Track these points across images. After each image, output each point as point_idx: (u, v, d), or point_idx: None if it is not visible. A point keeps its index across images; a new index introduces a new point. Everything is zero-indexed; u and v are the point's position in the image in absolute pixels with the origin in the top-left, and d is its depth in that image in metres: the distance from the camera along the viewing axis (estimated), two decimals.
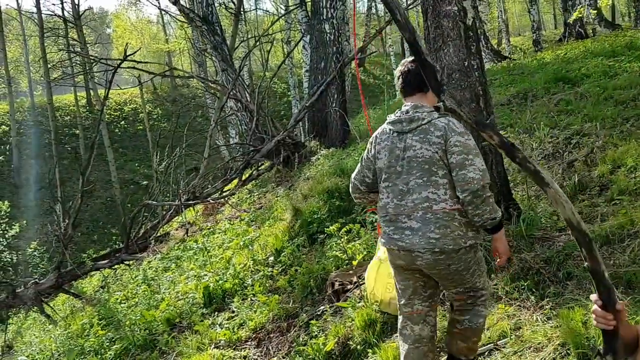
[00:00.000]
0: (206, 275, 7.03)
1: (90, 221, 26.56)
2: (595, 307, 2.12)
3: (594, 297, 2.14)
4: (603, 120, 6.92)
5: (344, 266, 5.69)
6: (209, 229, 9.83)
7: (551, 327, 3.63)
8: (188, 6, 13.55)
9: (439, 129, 3.08)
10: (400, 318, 3.43)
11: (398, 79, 3.34)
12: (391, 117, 3.29)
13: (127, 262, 10.57)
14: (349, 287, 5.29)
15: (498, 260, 3.31)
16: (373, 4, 37.40)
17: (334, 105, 11.72)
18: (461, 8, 4.66)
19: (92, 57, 12.04)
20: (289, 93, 30.30)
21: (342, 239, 5.80)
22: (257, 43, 16.07)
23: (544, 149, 6.67)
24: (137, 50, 12.05)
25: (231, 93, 11.66)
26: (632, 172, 5.40)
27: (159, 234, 10.99)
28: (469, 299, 3.33)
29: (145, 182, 28.11)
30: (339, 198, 7.25)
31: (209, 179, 12.24)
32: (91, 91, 32.12)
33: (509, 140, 2.06)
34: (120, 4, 61.72)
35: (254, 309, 5.68)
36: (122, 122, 32.19)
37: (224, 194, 11.13)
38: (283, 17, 27.63)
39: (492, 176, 4.92)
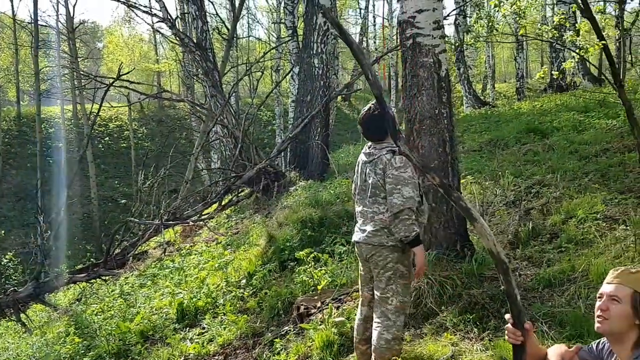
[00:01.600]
0: (180, 292, 7.35)
1: (66, 236, 26.60)
2: (508, 325, 2.58)
3: (507, 316, 2.61)
4: (565, 173, 7.42)
5: (310, 291, 6.05)
6: (186, 249, 10.14)
7: (487, 355, 4.02)
8: (182, 30, 13.96)
9: (382, 162, 3.98)
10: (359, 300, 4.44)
11: (360, 125, 4.17)
12: (365, 149, 4.24)
13: (104, 277, 10.81)
14: (313, 311, 5.66)
15: (415, 271, 4.08)
16: (362, 39, 38.27)
17: (316, 138, 12.16)
18: (436, 60, 5.14)
19: (87, 74, 12.37)
20: (274, 122, 30.81)
21: (310, 266, 6.16)
22: (248, 71, 16.48)
23: (506, 196, 7.13)
24: (131, 70, 12.42)
25: (218, 119, 12.07)
26: (581, 223, 5.85)
27: (137, 252, 11.26)
28: (379, 302, 4.05)
29: (124, 201, 28.22)
30: (311, 228, 7.63)
31: (189, 201, 12.55)
32: (78, 105, 32.34)
33: (447, 181, 2.49)
34: (114, 20, 62.08)
35: (224, 326, 6.04)
36: (107, 138, 32.43)
37: (203, 216, 11.45)
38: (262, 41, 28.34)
39: (451, 217, 5.39)
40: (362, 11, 39.58)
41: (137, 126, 33.12)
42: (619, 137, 8.58)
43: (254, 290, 6.91)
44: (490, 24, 16.06)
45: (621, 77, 4.63)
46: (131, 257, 11.13)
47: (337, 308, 5.42)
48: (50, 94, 32.38)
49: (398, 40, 6.52)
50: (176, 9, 15.33)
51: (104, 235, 15.20)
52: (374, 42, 42.93)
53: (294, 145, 12.74)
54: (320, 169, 12.18)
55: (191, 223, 10.78)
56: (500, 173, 7.73)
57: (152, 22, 34.45)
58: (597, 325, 2.50)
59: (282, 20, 18.71)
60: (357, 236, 4.20)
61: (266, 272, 7.07)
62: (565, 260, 5.13)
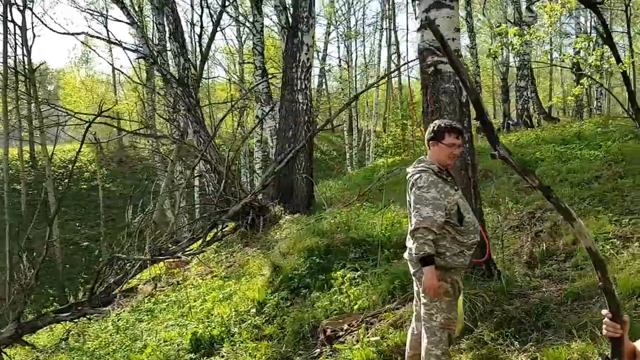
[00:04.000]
0: (190, 323, 7.27)
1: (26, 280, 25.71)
2: (605, 319, 2.70)
3: (605, 311, 2.73)
4: (562, 199, 7.68)
5: (333, 315, 6.10)
6: (178, 284, 10.03)
7: None
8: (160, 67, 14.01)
9: (411, 182, 4.13)
10: (413, 315, 4.55)
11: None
12: (408, 169, 4.33)
13: (89, 316, 10.55)
14: (340, 333, 5.70)
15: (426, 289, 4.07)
16: (323, 80, 38.84)
17: (301, 172, 12.28)
18: (457, 87, 5.36)
19: (67, 111, 12.24)
20: (236, 161, 30.77)
21: (339, 288, 6.23)
22: (230, 110, 16.61)
23: (510, 220, 7.36)
24: (111, 107, 12.34)
25: (203, 155, 12.10)
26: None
27: (124, 289, 11.05)
28: (424, 318, 4.17)
29: (86, 243, 27.63)
30: (318, 256, 7.71)
31: (173, 237, 12.44)
32: (39, 145, 31.70)
33: (545, 184, 2.64)
34: (70, 61, 61.50)
35: (248, 353, 5.99)
36: (66, 180, 31.83)
37: (189, 251, 11.36)
38: (237, 83, 28.56)
39: None
40: (321, 53, 40.31)
41: (97, 167, 32.60)
42: (606, 165, 8.96)
43: (268, 318, 6.91)
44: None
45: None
46: (118, 294, 10.90)
47: (367, 329, 5.47)
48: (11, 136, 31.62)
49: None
50: (149, 46, 15.34)
51: (90, 273, 14.80)
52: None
53: (277, 180, 12.82)
54: (306, 203, 12.29)
55: (184, 257, 10.66)
56: (499, 200, 7.97)
57: (113, 62, 34.50)
58: None
59: (252, 61, 18.90)
60: (406, 253, 4.31)
61: (279, 300, 7.07)
62: (588, 276, 5.32)
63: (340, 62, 35.68)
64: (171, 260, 11.46)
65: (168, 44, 14.72)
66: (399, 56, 32.04)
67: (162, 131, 12.37)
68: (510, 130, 20.10)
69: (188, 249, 11.61)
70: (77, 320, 10.78)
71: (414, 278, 4.38)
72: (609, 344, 2.75)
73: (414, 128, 27.89)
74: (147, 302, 9.72)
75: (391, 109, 35.97)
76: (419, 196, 3.99)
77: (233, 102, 16.08)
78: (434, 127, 4.22)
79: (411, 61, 19.86)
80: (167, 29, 12.73)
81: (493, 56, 8.23)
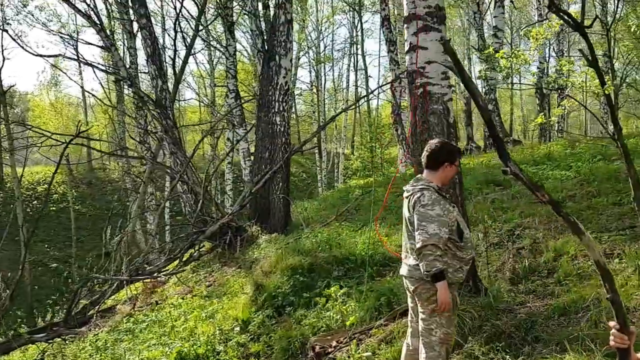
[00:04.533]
0: (173, 342, 7.24)
1: None
2: (613, 330, 2.80)
3: (612, 323, 2.84)
4: (538, 217, 7.92)
5: (321, 332, 6.15)
6: (157, 304, 9.96)
7: None
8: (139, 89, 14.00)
9: (413, 200, 4.19)
10: (408, 330, 4.62)
11: (423, 154, 4.40)
12: (406, 186, 4.42)
13: (64, 337, 10.37)
14: (330, 350, 5.75)
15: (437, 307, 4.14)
16: (293, 103, 39.12)
17: (278, 193, 12.34)
18: (445, 107, 5.52)
19: (42, 131, 12.11)
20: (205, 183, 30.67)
21: (324, 306, 6.28)
22: (209, 131, 16.65)
23: (490, 238, 7.52)
24: (89, 128, 12.28)
25: (180, 175, 12.08)
26: (573, 259, 6.28)
27: (100, 309, 10.91)
28: (423, 333, 4.23)
29: (54, 265, 27.09)
30: (302, 274, 7.77)
31: (149, 258, 12.35)
32: (7, 167, 31.14)
33: (554, 199, 2.76)
34: (40, 84, 60.79)
35: None
36: (35, 201, 31.29)
37: (167, 271, 11.29)
38: (210, 106, 28.60)
39: None
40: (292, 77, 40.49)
41: (66, 189, 32.12)
42: (579, 185, 9.23)
43: (253, 336, 6.93)
44: None
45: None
46: (95, 315, 10.75)
47: (358, 345, 5.54)
48: None
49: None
50: (127, 68, 15.36)
51: (59, 295, 14.51)
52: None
53: (253, 200, 12.86)
54: (283, 223, 12.34)
55: (163, 277, 10.59)
56: (477, 218, 8.14)
57: (83, 85, 34.22)
58: None
59: (226, 84, 18.99)
60: (402, 270, 4.40)
61: (264, 318, 7.09)
62: (573, 291, 5.48)
63: (311, 85, 35.96)
64: (148, 280, 11.38)
65: (145, 67, 14.73)
66: (367, 80, 32.46)
67: (138, 152, 12.27)
68: (472, 153, 20.52)
69: (165, 269, 11.55)
70: (52, 341, 10.61)
71: (408, 294, 4.47)
72: (616, 354, 2.87)
73: (382, 151, 28.26)
74: (125, 322, 9.61)
75: (359, 132, 36.33)
76: (423, 214, 4.06)
77: (212, 124, 16.04)
78: (447, 148, 4.32)
79: (385, 84, 20.14)
80: (145, 51, 12.73)
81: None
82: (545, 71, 24.54)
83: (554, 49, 22.47)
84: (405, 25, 5.68)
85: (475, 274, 5.86)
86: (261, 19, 14.95)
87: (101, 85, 33.25)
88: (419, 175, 4.40)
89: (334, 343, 5.82)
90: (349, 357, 5.28)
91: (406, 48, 5.73)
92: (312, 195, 23.36)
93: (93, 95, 26.10)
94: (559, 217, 7.45)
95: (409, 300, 4.50)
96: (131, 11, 20.94)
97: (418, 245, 4.03)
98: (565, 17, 4.28)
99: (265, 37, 13.90)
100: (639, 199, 5.63)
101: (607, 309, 4.92)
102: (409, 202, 4.25)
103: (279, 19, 12.02)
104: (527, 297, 5.77)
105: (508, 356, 4.69)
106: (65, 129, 33.60)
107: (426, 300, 4.17)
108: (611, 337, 2.83)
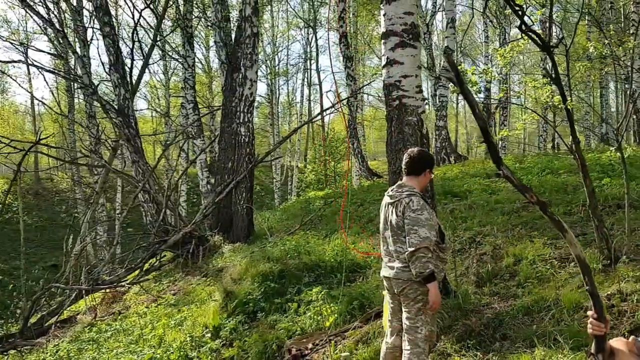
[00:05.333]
0: (143, 350, 7.30)
1: None
2: (591, 319, 3.14)
3: (590, 312, 3.17)
4: (496, 226, 8.34)
5: (296, 336, 6.36)
6: (120, 313, 9.95)
7: None
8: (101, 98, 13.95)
9: (402, 205, 4.42)
10: (387, 330, 4.79)
11: (404, 161, 4.66)
12: (389, 192, 4.68)
13: (19, 348, 10.23)
14: (306, 352, 5.97)
15: (429, 306, 4.40)
16: None
17: (241, 202, 12.50)
18: (419, 119, 5.85)
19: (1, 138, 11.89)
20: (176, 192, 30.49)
21: (296, 310, 6.49)
22: (173, 141, 16.64)
23: (453, 245, 7.89)
24: (51, 135, 12.18)
25: (143, 184, 12.10)
26: (532, 263, 6.68)
27: (58, 319, 10.79)
28: (408, 331, 4.46)
29: None
30: (273, 281, 7.96)
31: (110, 267, 12.28)
32: None
33: (541, 199, 3.08)
34: None
35: None
36: None
37: (129, 281, 11.27)
38: (167, 117, 28.49)
39: None
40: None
41: (11, 199, 31.27)
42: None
43: (225, 342, 7.07)
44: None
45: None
46: (53, 325, 10.64)
47: (335, 346, 5.77)
48: None
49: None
50: (87, 71, 15.27)
51: (13, 306, 14.22)
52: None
53: (216, 210, 12.97)
54: (246, 232, 12.48)
55: (125, 287, 10.58)
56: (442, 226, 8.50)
57: (32, 92, 33.51)
58: None
59: (184, 95, 19.02)
60: (386, 272, 4.61)
61: (236, 324, 7.24)
62: (534, 292, 5.86)
63: (271, 98, 36.17)
64: (108, 290, 11.34)
65: (97, 75, 14.67)
66: (321, 95, 32.91)
67: (101, 161, 12.20)
68: None
69: (125, 279, 11.52)
70: (7, 353, 10.44)
71: (387, 295, 4.73)
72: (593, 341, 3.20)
73: (335, 165, 28.69)
74: (88, 332, 9.57)
75: (312, 146, 36.72)
76: (414, 218, 4.31)
77: (177, 134, 16.05)
78: (428, 156, 4.64)
79: (343, 99, 20.54)
80: (108, 60, 12.73)
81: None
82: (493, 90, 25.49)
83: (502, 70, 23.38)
84: (383, 41, 5.99)
85: (444, 276, 6.17)
86: (223, 32, 15.14)
87: (52, 93, 32.63)
88: (401, 182, 4.65)
89: (310, 345, 6.04)
90: (326, 358, 5.50)
91: (383, 62, 6.04)
92: (268, 207, 23.50)
93: (44, 103, 25.61)
94: (514, 228, 7.86)
95: (390, 300, 4.74)
96: (85, 19, 20.90)
97: (411, 249, 4.25)
98: (534, 37, 4.66)
99: (228, 49, 14.09)
100: (594, 207, 6.07)
101: (568, 308, 5.32)
102: (395, 207, 4.47)
103: (245, 32, 12.23)
104: (492, 299, 6.12)
105: (479, 353, 5.02)
106: (11, 137, 32.79)
107: (413, 300, 4.42)
108: (589, 325, 3.16)
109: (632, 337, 3.36)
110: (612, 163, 11.09)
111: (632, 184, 8.41)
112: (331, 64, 31.33)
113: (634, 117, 15.91)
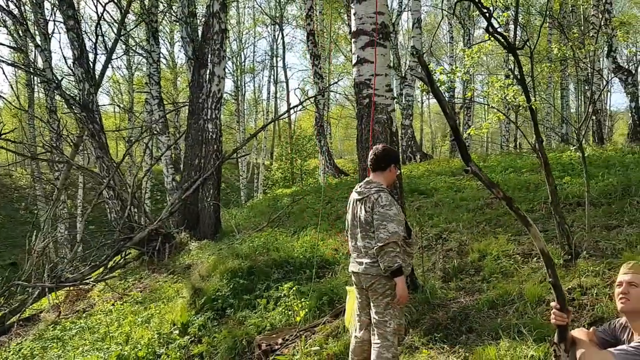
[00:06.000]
0: (110, 347, 7.26)
1: None
2: (554, 309, 3.27)
3: (553, 303, 3.31)
4: (461, 223, 8.51)
5: (266, 331, 6.42)
6: (84, 311, 9.86)
7: None
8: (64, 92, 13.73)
9: (371, 201, 4.49)
10: (356, 324, 4.85)
11: (369, 158, 4.75)
12: (357, 188, 4.75)
13: None
14: (276, 347, 6.02)
15: (397, 300, 4.49)
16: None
17: (209, 199, 12.46)
18: (389, 117, 5.95)
19: None
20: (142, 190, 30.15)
21: (268, 306, 6.54)
22: (139, 138, 16.48)
23: (420, 241, 8.03)
24: (10, 131, 11.97)
25: (108, 181, 11.98)
26: (496, 259, 6.85)
27: (21, 317, 10.63)
28: (377, 325, 4.52)
29: None
30: (242, 277, 7.99)
31: (73, 264, 12.12)
32: None
33: (507, 195, 3.20)
34: None
35: None
36: None
37: (93, 278, 11.16)
38: (132, 113, 28.17)
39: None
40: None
41: None
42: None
43: (194, 338, 7.09)
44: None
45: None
46: (16, 324, 10.48)
47: (305, 341, 5.84)
48: None
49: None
50: (50, 65, 15.08)
51: None
52: None
53: (183, 207, 12.91)
54: (213, 229, 12.46)
55: (90, 285, 10.47)
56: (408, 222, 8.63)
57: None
58: (620, 305, 3.17)
59: (149, 90, 18.84)
60: (355, 267, 4.67)
61: (205, 321, 7.26)
62: (498, 287, 6.01)
63: (237, 94, 36.02)
64: (72, 287, 11.21)
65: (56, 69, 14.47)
66: (288, 93, 32.93)
67: (63, 157, 12.01)
68: None
69: (89, 276, 11.39)
70: None
71: (356, 290, 4.82)
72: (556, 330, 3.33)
73: (302, 162, 28.71)
74: (52, 330, 9.46)
75: (279, 143, 36.68)
76: (383, 214, 4.39)
77: (144, 129, 15.90)
78: (392, 152, 4.72)
79: (311, 97, 20.59)
80: (72, 54, 12.55)
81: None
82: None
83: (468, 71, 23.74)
84: (353, 40, 6.07)
85: (412, 271, 6.29)
86: (190, 27, 15.06)
87: (11, 87, 31.94)
88: (368, 178, 4.73)
89: (280, 340, 6.09)
90: (296, 352, 5.56)
91: (354, 61, 6.12)
92: (235, 204, 23.44)
93: (2, 97, 25.02)
94: (479, 225, 8.01)
95: (358, 295, 4.82)
96: (47, 12, 20.53)
97: (380, 244, 4.33)
98: (501, 39, 4.79)
99: (195, 45, 14.03)
100: (556, 205, 6.25)
101: (531, 302, 5.48)
102: (364, 203, 4.54)
103: (213, 28, 12.20)
104: (458, 293, 6.26)
105: (446, 345, 5.14)
106: None
107: (381, 295, 4.50)
108: (552, 316, 3.31)
109: (592, 327, 3.52)
110: (573, 162, 11.39)
111: (591, 183, 8.64)
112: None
113: (594, 118, 16.33)
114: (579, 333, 3.44)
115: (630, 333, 3.25)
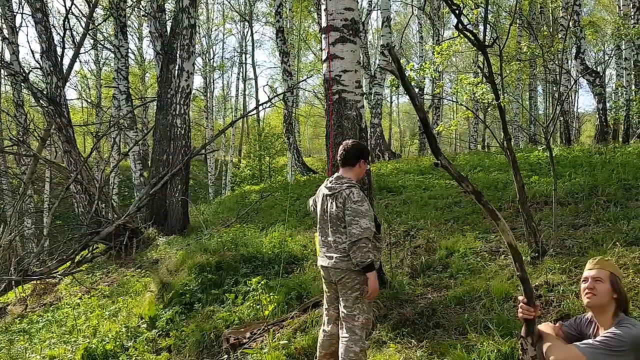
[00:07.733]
0: (78, 340, 7.18)
1: None
2: (521, 303, 3.33)
3: (520, 297, 3.37)
4: (429, 220, 8.60)
5: (234, 325, 6.41)
6: (51, 304, 9.73)
7: (434, 357, 4.77)
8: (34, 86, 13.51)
9: (342, 197, 4.50)
10: (324, 318, 4.90)
11: (338, 153, 4.77)
12: (326, 183, 4.74)
13: None
14: (244, 341, 6.01)
15: (367, 294, 4.52)
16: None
17: (177, 195, 12.38)
18: (358, 114, 5.99)
19: None
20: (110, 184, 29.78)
21: (236, 300, 6.53)
22: (106, 133, 16.27)
23: (388, 238, 8.09)
24: None
25: (75, 175, 11.82)
26: (464, 256, 6.94)
27: None
28: (346, 319, 4.57)
29: None
30: (210, 272, 7.96)
31: (40, 258, 11.94)
32: None
33: (477, 189, 3.24)
34: None
35: None
36: None
37: (59, 272, 11.01)
38: (101, 108, 27.81)
39: None
40: None
41: None
42: (462, 193, 10.05)
43: (161, 332, 7.05)
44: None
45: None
46: None
47: (274, 335, 5.84)
48: None
49: None
50: (17, 57, 14.75)
51: None
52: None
53: (150, 202, 12.81)
54: (181, 225, 12.38)
55: (60, 276, 10.33)
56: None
57: None
58: (586, 300, 3.25)
59: (117, 85, 18.60)
60: (324, 262, 4.68)
61: (173, 314, 7.22)
62: (465, 283, 6.10)
63: (206, 91, 35.78)
64: (39, 281, 11.05)
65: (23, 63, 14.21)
66: (257, 90, 32.82)
67: (30, 151, 11.81)
68: None
69: (56, 270, 11.24)
70: None
71: (324, 284, 4.84)
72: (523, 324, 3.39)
73: (270, 160, 28.69)
74: (18, 323, 9.33)
75: (247, 141, 36.59)
76: (355, 210, 4.39)
77: (111, 124, 15.69)
78: (361, 147, 4.73)
79: (279, 94, 20.56)
80: (40, 47, 12.35)
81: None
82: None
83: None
84: (323, 36, 6.08)
85: (380, 267, 6.34)
86: (159, 22, 14.91)
87: None
88: (338, 174, 4.73)
89: (248, 334, 6.08)
90: (264, 346, 5.56)
91: (323, 57, 6.14)
92: (203, 201, 23.33)
93: None
94: (447, 222, 8.12)
95: (326, 289, 4.85)
96: (15, 5, 20.13)
97: (353, 239, 4.33)
98: (470, 37, 4.85)
99: (164, 40, 13.91)
100: (523, 202, 6.35)
101: (498, 299, 5.57)
102: (335, 199, 4.55)
103: (182, 23, 12.10)
104: (426, 289, 6.33)
105: (413, 340, 5.19)
106: None
107: (350, 289, 4.53)
108: (520, 310, 3.37)
109: (559, 322, 3.60)
110: (540, 162, 11.59)
111: (559, 182, 8.81)
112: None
113: (561, 118, 16.63)
114: (545, 327, 3.51)
115: (595, 327, 3.33)
